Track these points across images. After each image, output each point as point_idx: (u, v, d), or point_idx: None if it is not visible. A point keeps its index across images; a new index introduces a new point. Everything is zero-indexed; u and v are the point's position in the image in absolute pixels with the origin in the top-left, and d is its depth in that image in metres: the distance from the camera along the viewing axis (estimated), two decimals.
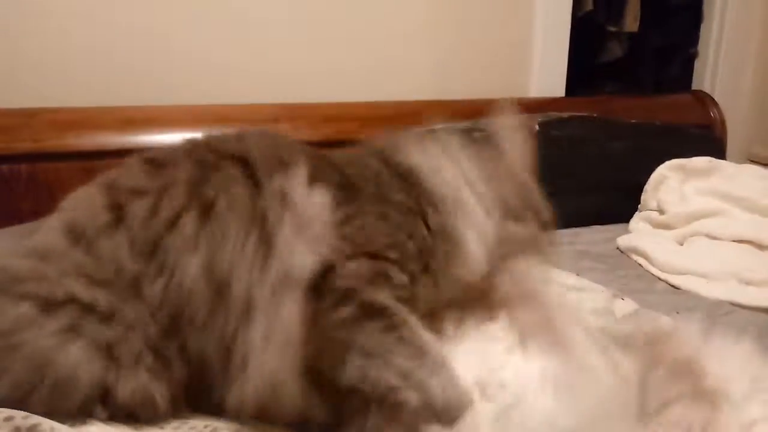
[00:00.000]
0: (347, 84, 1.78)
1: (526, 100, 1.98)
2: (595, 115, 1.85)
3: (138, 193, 0.65)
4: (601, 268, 1.40)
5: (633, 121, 1.88)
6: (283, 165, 0.68)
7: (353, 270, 0.65)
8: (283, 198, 0.65)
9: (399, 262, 0.69)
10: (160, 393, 0.62)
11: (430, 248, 0.72)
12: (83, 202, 0.68)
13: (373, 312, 0.64)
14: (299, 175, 0.67)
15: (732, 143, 2.15)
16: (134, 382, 0.61)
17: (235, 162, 0.68)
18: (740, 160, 1.89)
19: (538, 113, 1.77)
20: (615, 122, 1.87)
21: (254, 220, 0.64)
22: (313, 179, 0.68)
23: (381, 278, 0.67)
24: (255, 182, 0.66)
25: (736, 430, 0.62)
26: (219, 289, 0.62)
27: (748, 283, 1.31)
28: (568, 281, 1.17)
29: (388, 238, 0.69)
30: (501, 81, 1.97)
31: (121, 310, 0.62)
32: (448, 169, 0.76)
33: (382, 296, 0.65)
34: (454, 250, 0.73)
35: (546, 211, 0.84)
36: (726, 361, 0.70)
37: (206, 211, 0.64)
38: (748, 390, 0.66)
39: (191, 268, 0.62)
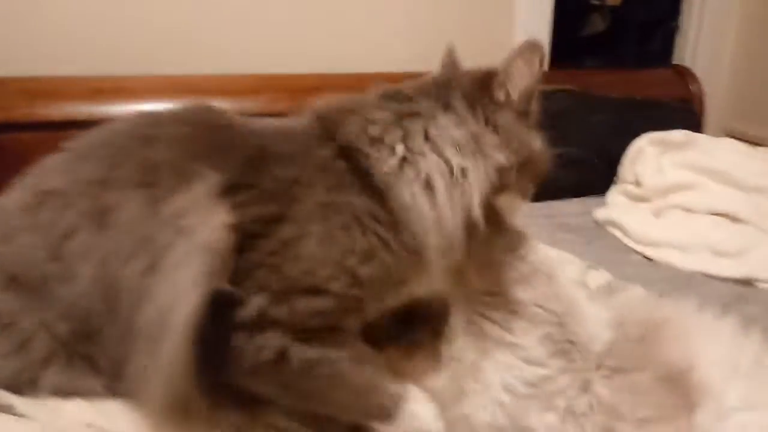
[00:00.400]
0: (329, 55, 1.75)
1: None
2: (576, 88, 1.85)
3: (50, 194, 0.65)
4: (577, 241, 1.41)
5: (613, 95, 1.88)
6: (189, 177, 0.60)
7: (282, 316, 0.59)
8: (177, 221, 0.58)
9: (343, 295, 0.60)
10: (95, 384, 0.64)
11: (394, 267, 0.62)
12: (15, 195, 0.68)
13: (306, 364, 0.60)
14: (204, 190, 0.59)
15: (710, 118, 2.16)
16: (51, 381, 0.63)
17: (141, 169, 0.63)
18: (718, 135, 1.90)
19: None
20: (595, 96, 1.87)
21: (144, 241, 0.59)
22: (231, 191, 0.59)
23: (316, 320, 0.60)
24: (154, 196, 0.61)
25: (712, 421, 0.61)
26: (109, 306, 0.61)
27: (721, 254, 1.32)
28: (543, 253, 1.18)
29: (331, 268, 0.59)
30: (483, 53, 1.95)
31: (24, 314, 0.63)
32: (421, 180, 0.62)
33: (316, 351, 0.60)
34: (421, 266, 0.64)
35: (544, 163, 0.72)
36: (711, 343, 0.69)
37: (102, 219, 0.61)
38: (728, 375, 0.66)
39: (85, 277, 0.61)
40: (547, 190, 1.75)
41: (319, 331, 0.60)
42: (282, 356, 0.59)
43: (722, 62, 2.28)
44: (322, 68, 1.70)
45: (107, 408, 0.64)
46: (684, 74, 2.14)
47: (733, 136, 1.80)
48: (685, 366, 0.66)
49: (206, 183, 0.59)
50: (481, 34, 1.92)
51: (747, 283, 1.24)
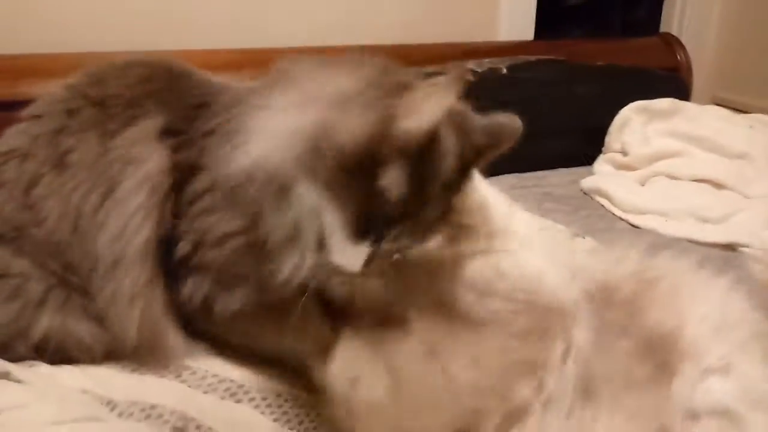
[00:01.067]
0: (314, 28, 1.73)
1: (495, 43, 1.96)
2: (562, 58, 1.84)
3: (10, 153, 0.67)
4: (564, 210, 1.42)
5: (600, 64, 1.88)
6: (140, 114, 0.66)
7: (206, 260, 0.62)
8: (127, 151, 0.63)
9: (254, 240, 0.62)
10: (89, 332, 0.66)
11: None
12: None
13: (228, 314, 0.64)
14: (146, 130, 0.64)
15: (697, 86, 2.16)
16: (46, 323, 0.65)
17: (96, 108, 0.67)
18: (705, 104, 1.90)
19: (507, 56, 1.76)
20: (582, 65, 1.86)
21: (100, 175, 0.64)
22: (168, 133, 0.64)
23: (237, 266, 0.63)
24: (107, 132, 0.65)
25: (689, 388, 0.61)
26: (79, 240, 0.64)
27: (705, 220, 1.34)
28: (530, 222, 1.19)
29: (242, 219, 0.62)
30: (470, 24, 1.94)
31: (14, 262, 0.65)
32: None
33: (237, 299, 0.63)
34: None
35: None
36: (702, 300, 0.68)
37: (62, 161, 0.65)
38: (714, 332, 0.65)
39: (54, 214, 0.64)
40: (535, 160, 1.74)
41: (243, 279, 0.62)
42: (207, 302, 0.62)
43: (709, 31, 2.28)
44: (305, 42, 1.68)
45: (101, 374, 0.65)
46: (671, 43, 2.14)
47: (719, 105, 1.81)
48: (670, 326, 0.64)
49: (153, 121, 0.64)
50: (467, 8, 1.91)
51: (730, 248, 1.26)
